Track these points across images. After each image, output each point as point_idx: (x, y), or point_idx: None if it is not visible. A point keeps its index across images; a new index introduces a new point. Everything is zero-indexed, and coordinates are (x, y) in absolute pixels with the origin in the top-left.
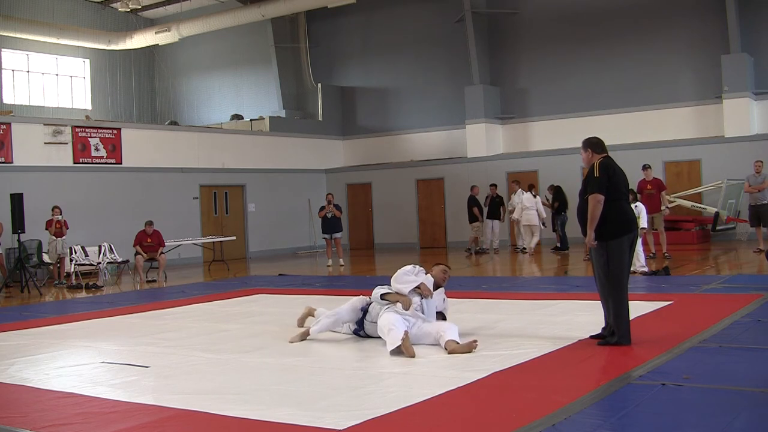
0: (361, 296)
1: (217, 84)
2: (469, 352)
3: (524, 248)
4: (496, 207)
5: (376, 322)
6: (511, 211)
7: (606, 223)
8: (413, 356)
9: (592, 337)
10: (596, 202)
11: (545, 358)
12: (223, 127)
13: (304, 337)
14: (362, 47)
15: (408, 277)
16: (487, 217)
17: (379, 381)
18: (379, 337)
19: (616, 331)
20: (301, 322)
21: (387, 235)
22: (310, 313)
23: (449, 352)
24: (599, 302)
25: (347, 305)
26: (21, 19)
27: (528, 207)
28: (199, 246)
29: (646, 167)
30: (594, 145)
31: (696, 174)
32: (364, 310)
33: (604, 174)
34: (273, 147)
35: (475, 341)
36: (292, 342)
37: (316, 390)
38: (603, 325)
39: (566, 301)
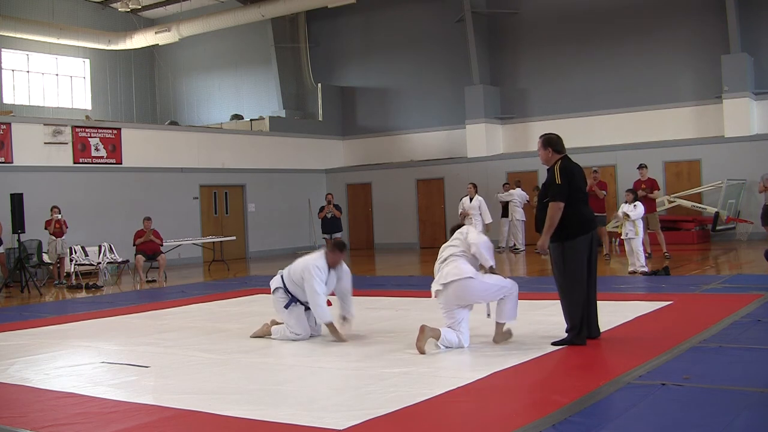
0: (278, 297)
1: (217, 84)
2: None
3: (517, 248)
4: (506, 206)
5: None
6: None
7: (564, 225)
8: (344, 341)
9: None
10: (557, 209)
11: (545, 358)
12: (223, 127)
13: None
14: (362, 47)
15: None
16: (502, 217)
17: (379, 381)
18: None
19: (569, 331)
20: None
21: (387, 235)
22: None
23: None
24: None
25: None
26: (21, 19)
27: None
28: (199, 246)
29: (641, 167)
30: (554, 143)
31: (696, 174)
32: (292, 296)
33: (564, 180)
34: (273, 147)
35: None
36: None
37: (316, 390)
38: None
39: None
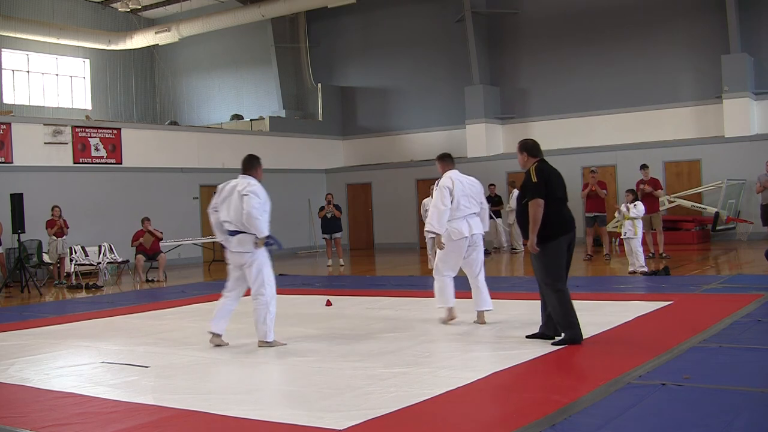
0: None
1: (217, 84)
2: None
3: (516, 249)
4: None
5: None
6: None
7: (545, 226)
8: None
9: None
10: (537, 206)
11: (545, 358)
12: (223, 127)
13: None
14: (362, 47)
15: None
16: (497, 217)
17: (379, 381)
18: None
19: (566, 330)
20: None
21: (387, 235)
22: None
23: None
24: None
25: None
26: (21, 19)
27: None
28: (199, 246)
29: (643, 167)
30: (530, 148)
31: (696, 174)
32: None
33: (541, 178)
34: (273, 147)
35: None
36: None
37: (316, 390)
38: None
39: None
